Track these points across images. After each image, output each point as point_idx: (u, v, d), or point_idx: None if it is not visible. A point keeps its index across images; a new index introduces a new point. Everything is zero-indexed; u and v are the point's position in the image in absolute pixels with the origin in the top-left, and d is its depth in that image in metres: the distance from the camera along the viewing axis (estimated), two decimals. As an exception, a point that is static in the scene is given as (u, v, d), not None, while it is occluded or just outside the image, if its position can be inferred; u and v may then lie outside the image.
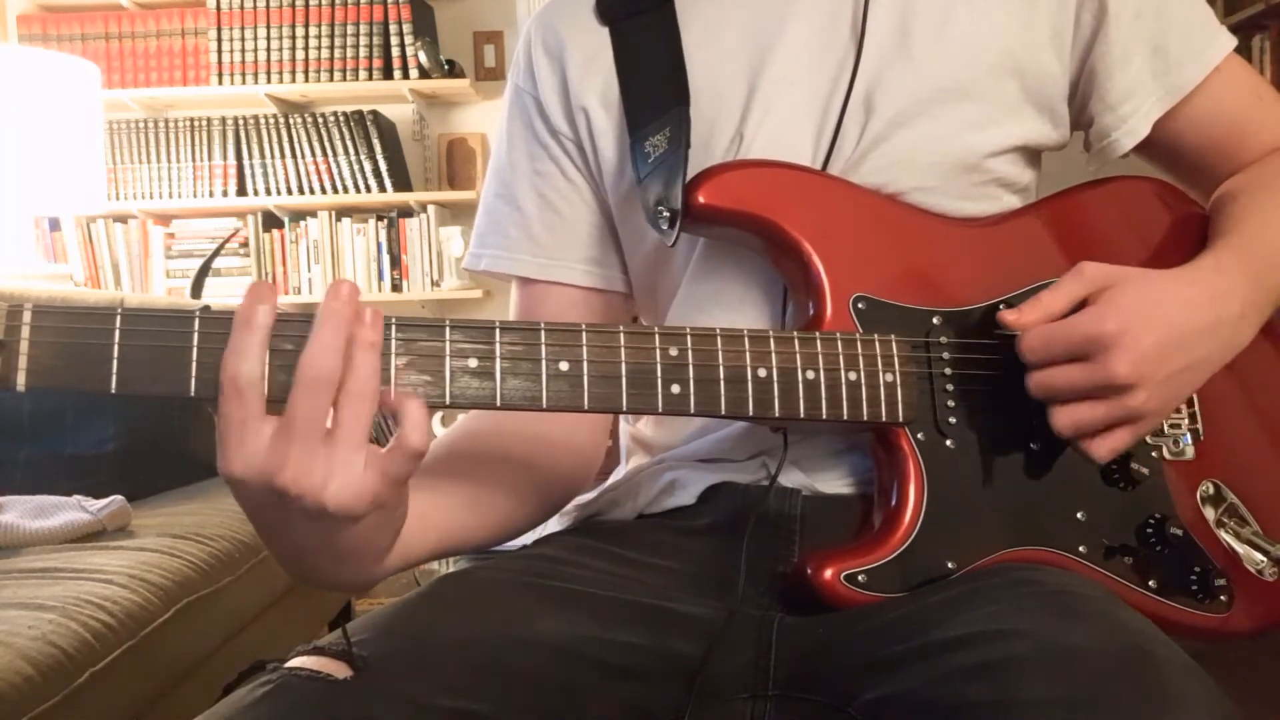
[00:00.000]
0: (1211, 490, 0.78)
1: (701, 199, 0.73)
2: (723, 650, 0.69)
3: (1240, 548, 0.77)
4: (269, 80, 3.28)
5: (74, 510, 1.60)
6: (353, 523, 0.57)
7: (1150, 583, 0.74)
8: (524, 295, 0.90)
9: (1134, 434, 0.70)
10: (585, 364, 0.64)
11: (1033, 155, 0.85)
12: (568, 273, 0.87)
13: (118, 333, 0.57)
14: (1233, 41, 0.84)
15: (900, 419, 0.71)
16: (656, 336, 0.66)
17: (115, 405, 1.87)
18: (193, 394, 0.57)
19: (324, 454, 0.55)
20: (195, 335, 0.57)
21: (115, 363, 0.56)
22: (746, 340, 0.68)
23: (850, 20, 0.80)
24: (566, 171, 0.87)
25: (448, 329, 0.62)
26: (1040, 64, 0.80)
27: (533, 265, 0.88)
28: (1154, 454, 0.77)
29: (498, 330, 0.63)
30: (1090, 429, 0.69)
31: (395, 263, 3.38)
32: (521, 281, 0.89)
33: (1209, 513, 0.78)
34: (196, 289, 2.81)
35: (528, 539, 0.84)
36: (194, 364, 0.57)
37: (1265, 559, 0.77)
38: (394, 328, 0.61)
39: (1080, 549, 0.73)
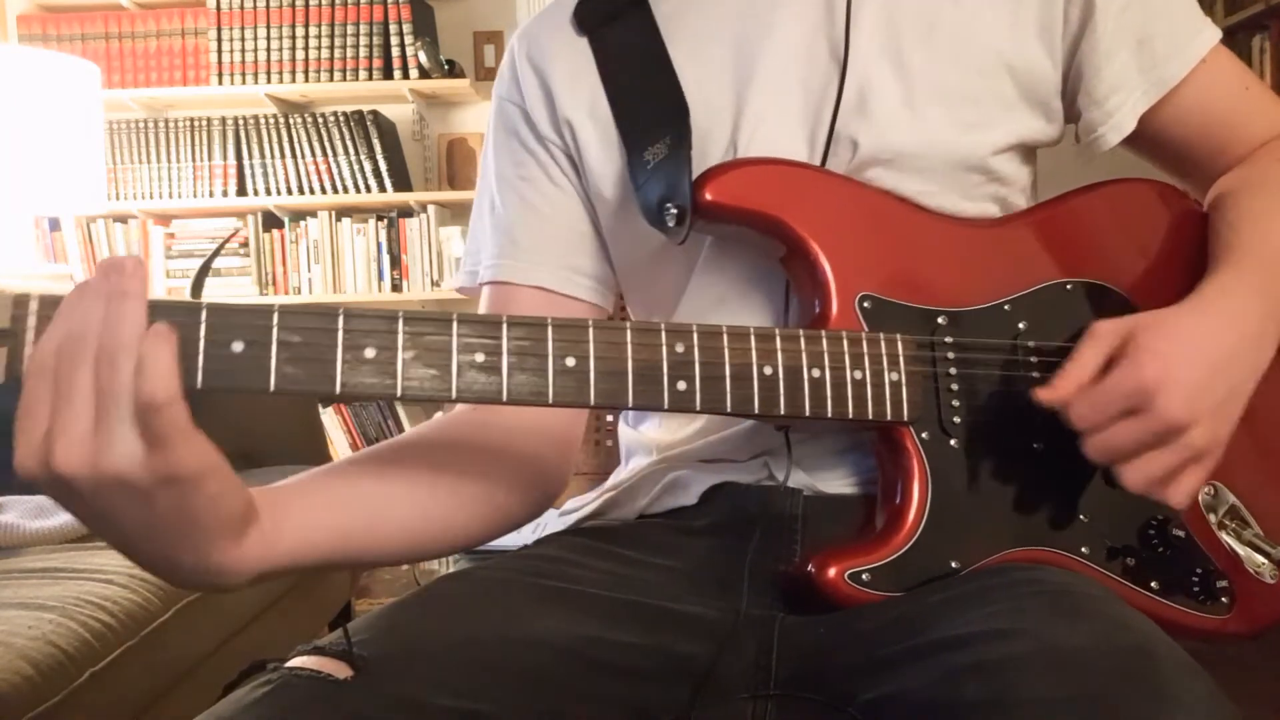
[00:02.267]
0: (1213, 492, 0.78)
1: (709, 196, 0.73)
2: (725, 650, 0.69)
3: (1241, 549, 0.77)
4: (269, 80, 3.28)
5: (74, 510, 1.59)
6: (144, 495, 0.54)
7: (1152, 584, 0.74)
8: (493, 296, 0.87)
9: (1204, 471, 0.69)
10: (592, 360, 0.64)
11: (1029, 152, 0.85)
12: (547, 276, 0.86)
13: None
14: (1218, 34, 0.84)
15: (905, 418, 0.71)
16: (663, 333, 0.66)
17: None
18: (199, 386, 0.57)
19: (92, 426, 0.52)
20: (203, 327, 0.57)
21: None
22: (753, 338, 0.68)
23: (838, 26, 0.80)
24: (553, 176, 0.86)
25: (455, 323, 0.62)
26: (1031, 61, 0.80)
27: (511, 269, 0.86)
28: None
29: (505, 325, 0.63)
30: (1161, 478, 0.68)
31: (395, 263, 3.38)
32: (491, 285, 0.87)
33: (1210, 515, 0.78)
34: (196, 289, 2.80)
35: (528, 539, 0.84)
36: (200, 355, 0.57)
37: (1266, 561, 0.77)
38: (401, 321, 0.61)
39: (1083, 549, 0.73)
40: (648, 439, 0.89)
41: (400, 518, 0.72)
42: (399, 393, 0.60)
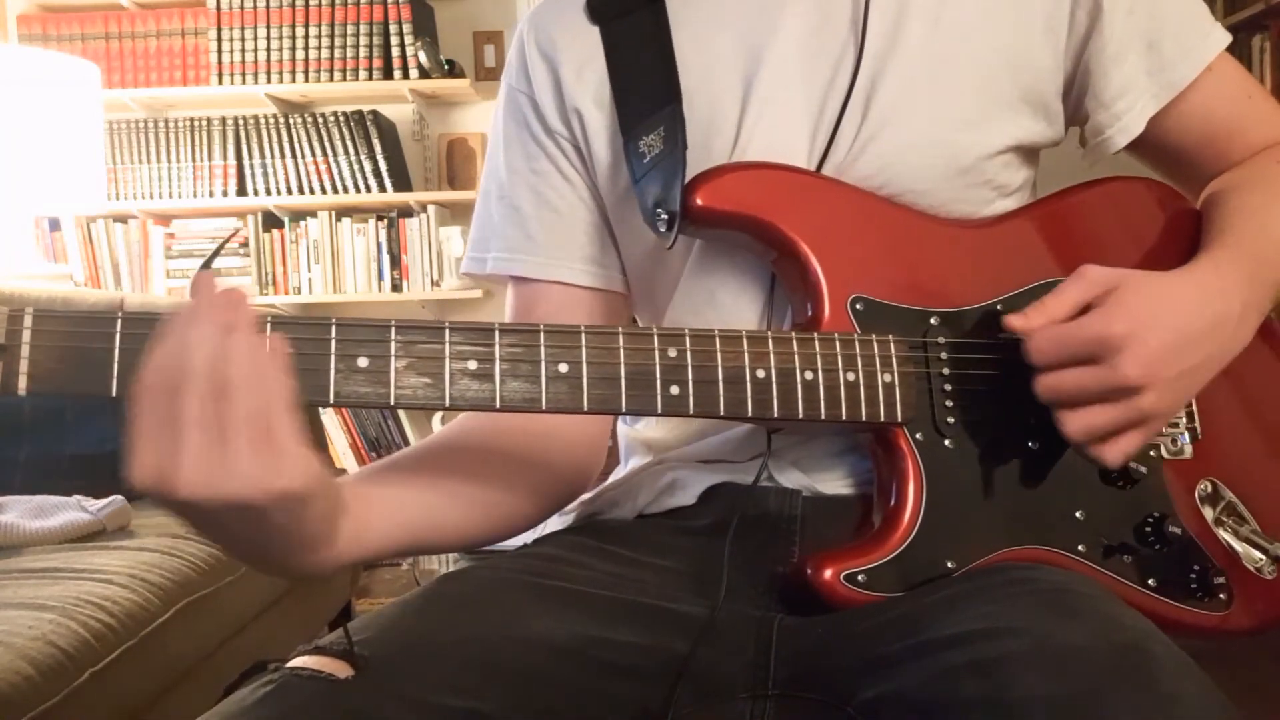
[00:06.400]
0: (1210, 489, 0.78)
1: (700, 201, 0.73)
2: (723, 650, 0.69)
3: (1239, 546, 0.77)
4: (269, 80, 3.27)
5: (74, 510, 1.60)
6: (259, 514, 0.56)
7: (1149, 581, 0.74)
8: (519, 294, 0.89)
9: (1144, 436, 0.70)
10: (584, 365, 0.64)
11: (1028, 154, 0.85)
12: (567, 272, 0.87)
13: (118, 335, 0.57)
14: (1226, 38, 0.84)
15: (899, 419, 0.71)
16: (655, 338, 0.66)
17: (116, 404, 1.87)
18: None
19: (206, 454, 0.53)
20: None
21: (116, 366, 0.57)
22: (745, 341, 0.68)
23: (847, 21, 0.80)
24: (564, 170, 0.86)
25: (447, 331, 0.62)
26: (1035, 62, 0.80)
27: (532, 265, 0.87)
28: (1152, 453, 0.77)
29: (497, 332, 0.63)
30: (1101, 433, 0.69)
31: (395, 263, 3.37)
32: (517, 281, 0.88)
33: (1208, 511, 0.78)
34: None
35: (527, 538, 0.85)
36: None
37: (1264, 557, 0.77)
38: (394, 330, 0.61)
39: (1079, 548, 0.73)
40: (647, 439, 0.89)
41: (457, 518, 0.76)
42: (392, 401, 0.61)
